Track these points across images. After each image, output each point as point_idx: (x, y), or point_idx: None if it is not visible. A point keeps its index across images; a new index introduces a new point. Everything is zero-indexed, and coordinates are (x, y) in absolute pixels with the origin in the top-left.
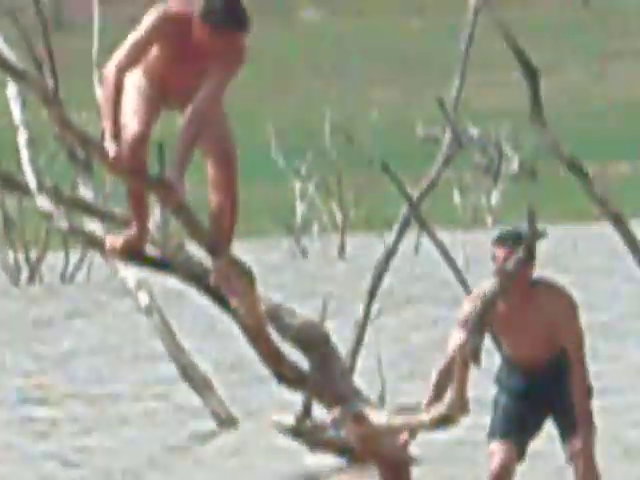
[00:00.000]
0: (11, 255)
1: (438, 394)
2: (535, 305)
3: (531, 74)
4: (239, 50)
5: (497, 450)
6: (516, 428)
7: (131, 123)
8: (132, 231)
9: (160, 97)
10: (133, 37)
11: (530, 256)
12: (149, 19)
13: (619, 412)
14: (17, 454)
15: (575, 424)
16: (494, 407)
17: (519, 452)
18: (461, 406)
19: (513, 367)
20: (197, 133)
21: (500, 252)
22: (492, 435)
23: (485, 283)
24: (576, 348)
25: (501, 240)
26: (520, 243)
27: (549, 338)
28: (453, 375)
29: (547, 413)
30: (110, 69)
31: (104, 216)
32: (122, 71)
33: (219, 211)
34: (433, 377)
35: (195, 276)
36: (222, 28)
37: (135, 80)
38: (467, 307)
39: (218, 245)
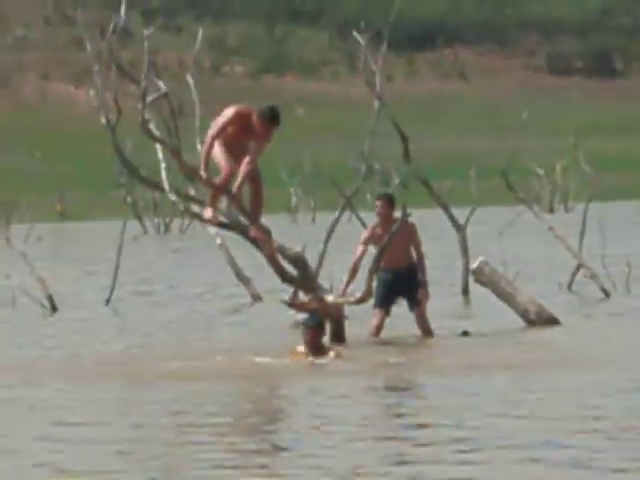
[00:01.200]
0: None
1: (349, 282)
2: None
3: (404, 139)
4: (271, 135)
5: (376, 314)
6: (386, 302)
7: (223, 164)
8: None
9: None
10: (219, 121)
11: (393, 206)
12: (229, 111)
13: None
14: None
15: (418, 300)
16: (376, 291)
17: (387, 313)
18: (368, 295)
19: (385, 269)
20: (249, 174)
21: (379, 203)
22: (375, 305)
23: (369, 229)
24: (420, 249)
25: (380, 197)
26: (391, 199)
27: (406, 252)
28: (355, 275)
29: (402, 293)
30: (208, 137)
31: (200, 203)
32: (213, 139)
33: (253, 199)
34: (346, 275)
35: (244, 232)
36: (269, 123)
37: (220, 144)
38: (365, 234)
39: (254, 217)
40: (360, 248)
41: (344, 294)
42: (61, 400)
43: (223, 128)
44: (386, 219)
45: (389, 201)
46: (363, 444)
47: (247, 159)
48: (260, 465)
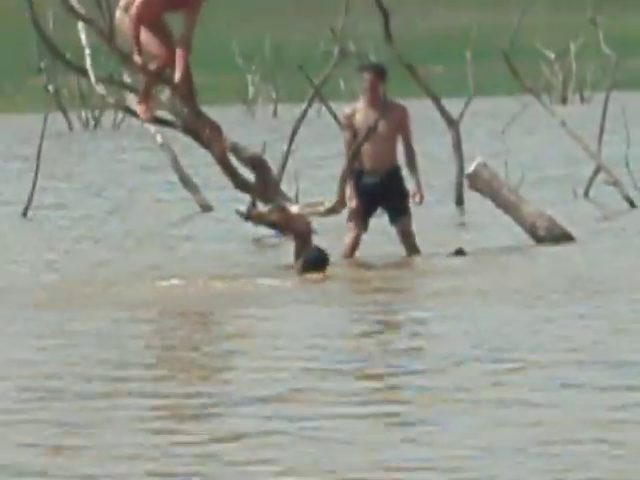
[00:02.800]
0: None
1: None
2: (385, 115)
3: (384, 14)
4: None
5: (351, 228)
6: (363, 213)
7: (156, 50)
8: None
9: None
10: None
11: (383, 79)
12: None
13: None
14: None
15: (400, 210)
16: (350, 199)
17: (364, 228)
18: (341, 204)
19: (363, 171)
20: (189, 46)
21: (367, 76)
22: (349, 218)
23: (353, 105)
24: (410, 140)
25: (368, 67)
26: (382, 71)
27: (391, 149)
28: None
29: (382, 202)
30: (132, 14)
31: (136, 92)
32: (140, 17)
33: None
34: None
35: (188, 129)
36: None
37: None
38: (346, 113)
39: (198, 112)
40: (346, 135)
41: (341, 202)
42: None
43: (148, 2)
44: (374, 97)
45: (379, 73)
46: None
47: (182, 38)
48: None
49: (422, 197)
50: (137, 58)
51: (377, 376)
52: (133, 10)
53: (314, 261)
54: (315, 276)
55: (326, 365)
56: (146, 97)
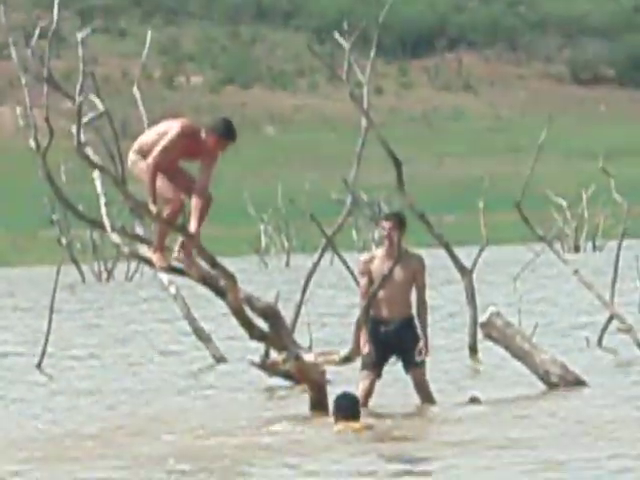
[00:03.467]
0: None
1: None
2: (401, 264)
3: (397, 164)
4: (222, 152)
5: (365, 376)
6: (377, 361)
7: (171, 196)
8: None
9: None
10: (164, 142)
11: (403, 230)
12: (172, 129)
13: None
14: None
15: (413, 360)
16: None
17: (378, 376)
18: (356, 352)
19: (377, 319)
20: (205, 195)
21: (386, 224)
22: (363, 366)
23: (371, 252)
24: (424, 291)
25: (389, 216)
26: (403, 221)
27: (406, 298)
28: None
29: (396, 351)
30: (150, 163)
31: (149, 244)
32: (157, 165)
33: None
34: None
35: (203, 279)
36: (225, 139)
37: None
38: (361, 265)
39: (213, 262)
40: (363, 281)
41: (357, 350)
42: None
43: (167, 151)
44: (391, 245)
45: (400, 222)
46: None
47: (198, 187)
48: None
49: (427, 352)
50: (152, 206)
51: None
52: (150, 160)
53: (346, 409)
54: (356, 426)
55: None
56: (161, 245)
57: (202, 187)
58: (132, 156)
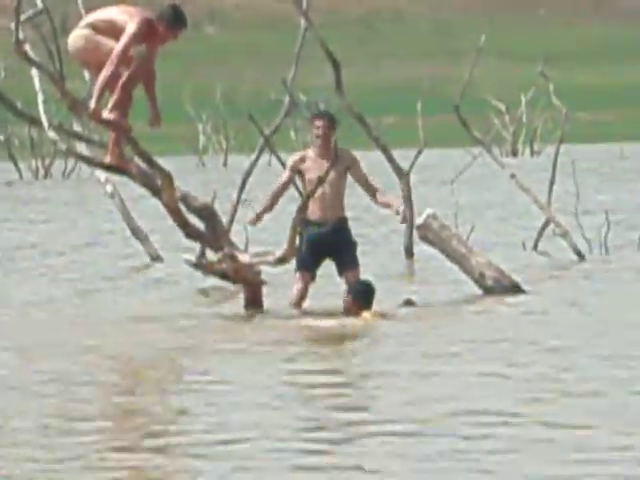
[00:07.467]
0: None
1: (264, 211)
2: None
3: (335, 65)
4: (175, 38)
5: (299, 278)
6: (311, 263)
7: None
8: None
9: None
10: (125, 38)
11: (334, 128)
12: (132, 19)
13: None
14: None
15: (349, 262)
16: (299, 249)
17: (312, 278)
18: (290, 253)
19: (311, 221)
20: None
21: (319, 122)
22: (297, 268)
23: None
24: (366, 177)
25: (320, 115)
26: (333, 120)
27: (339, 199)
28: (273, 206)
29: (330, 253)
30: (112, 60)
31: (88, 141)
32: (119, 64)
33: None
34: (264, 202)
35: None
36: (176, 26)
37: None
38: (295, 158)
39: (149, 160)
40: (286, 174)
41: (256, 219)
42: None
43: (134, 40)
44: (325, 145)
45: (331, 121)
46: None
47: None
48: None
49: (406, 215)
50: (93, 104)
51: None
52: (120, 47)
53: (364, 294)
54: (377, 313)
55: None
56: (116, 146)
57: (146, 62)
58: (83, 31)
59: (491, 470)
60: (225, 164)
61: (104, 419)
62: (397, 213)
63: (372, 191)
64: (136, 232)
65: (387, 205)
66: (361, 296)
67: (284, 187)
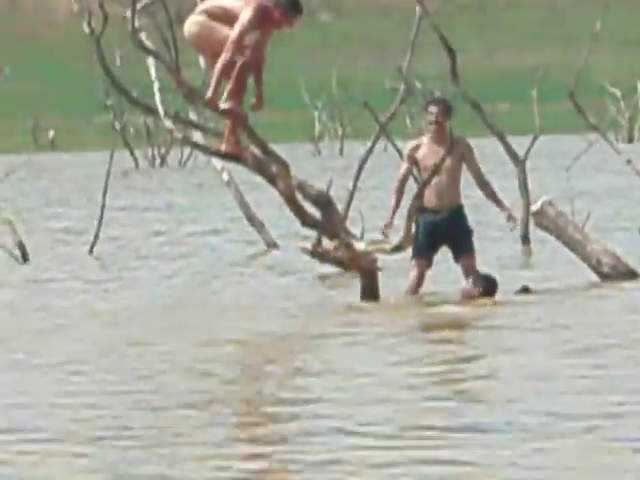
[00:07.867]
0: (149, 151)
1: (394, 210)
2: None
3: (451, 53)
4: (291, 25)
5: (415, 265)
6: (428, 250)
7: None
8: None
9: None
10: (240, 25)
11: (449, 116)
12: (249, 12)
13: None
14: None
15: (465, 248)
16: (415, 236)
17: (428, 265)
18: (407, 241)
19: (427, 209)
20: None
21: (434, 109)
22: (413, 255)
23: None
24: (480, 171)
25: (435, 102)
26: (449, 107)
27: (455, 186)
28: (401, 200)
29: (446, 239)
30: (227, 49)
31: (203, 130)
32: (235, 52)
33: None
34: (391, 201)
35: (255, 166)
36: (292, 12)
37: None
38: (410, 146)
39: (265, 149)
40: (404, 166)
41: (389, 224)
42: None
43: (249, 27)
44: (440, 132)
45: (446, 108)
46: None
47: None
48: None
49: (514, 220)
50: (210, 93)
51: None
52: (235, 34)
53: (491, 287)
54: (486, 301)
55: None
56: (232, 134)
57: (258, 48)
58: (198, 17)
59: None
60: (341, 151)
61: (225, 406)
62: (508, 219)
63: (484, 183)
64: (252, 220)
65: (496, 203)
66: (488, 289)
67: (404, 181)
